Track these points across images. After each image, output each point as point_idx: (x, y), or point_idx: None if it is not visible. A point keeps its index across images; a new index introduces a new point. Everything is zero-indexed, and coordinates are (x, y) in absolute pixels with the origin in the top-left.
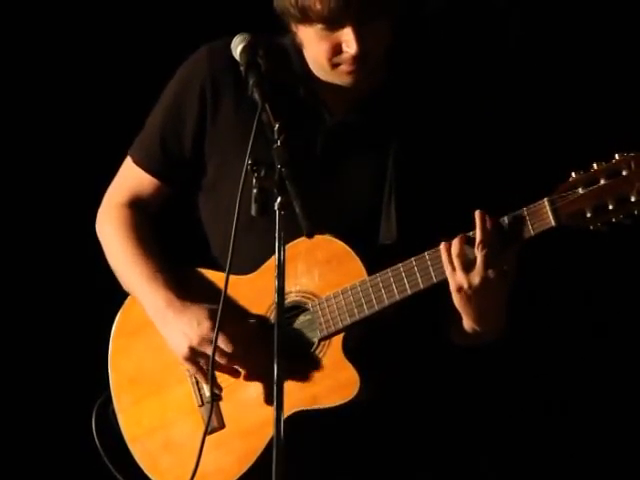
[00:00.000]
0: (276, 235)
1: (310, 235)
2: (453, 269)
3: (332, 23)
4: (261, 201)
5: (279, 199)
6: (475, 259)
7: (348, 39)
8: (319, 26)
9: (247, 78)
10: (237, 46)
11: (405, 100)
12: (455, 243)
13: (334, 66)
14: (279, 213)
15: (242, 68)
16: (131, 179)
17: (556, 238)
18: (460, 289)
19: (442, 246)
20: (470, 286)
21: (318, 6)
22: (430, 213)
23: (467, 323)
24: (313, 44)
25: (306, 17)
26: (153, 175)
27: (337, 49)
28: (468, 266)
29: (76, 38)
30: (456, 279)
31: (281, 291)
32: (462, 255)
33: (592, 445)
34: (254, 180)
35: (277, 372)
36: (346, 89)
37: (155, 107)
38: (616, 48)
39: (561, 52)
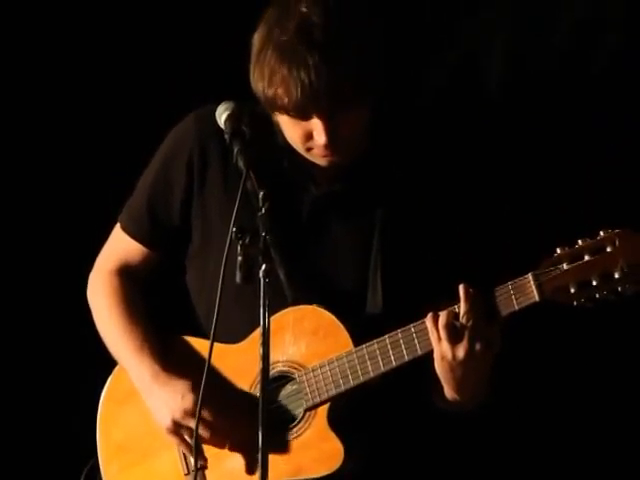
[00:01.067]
0: (261, 302)
1: (295, 302)
2: (439, 338)
3: (300, 115)
4: (245, 269)
5: (264, 267)
6: (460, 331)
7: (317, 130)
8: (290, 114)
9: (232, 146)
10: (222, 114)
11: (389, 169)
12: (443, 314)
13: (307, 150)
14: (264, 280)
15: (227, 136)
16: (120, 246)
17: (543, 310)
18: (444, 358)
19: (429, 317)
20: (454, 357)
21: (285, 99)
22: (416, 283)
23: (448, 391)
24: (286, 128)
25: (274, 107)
26: (140, 243)
27: (309, 136)
28: (454, 337)
29: (68, 90)
30: (441, 348)
31: (266, 358)
32: (449, 326)
33: None
34: (239, 248)
35: (261, 441)
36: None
37: (144, 172)
38: (605, 127)
39: (547, 131)
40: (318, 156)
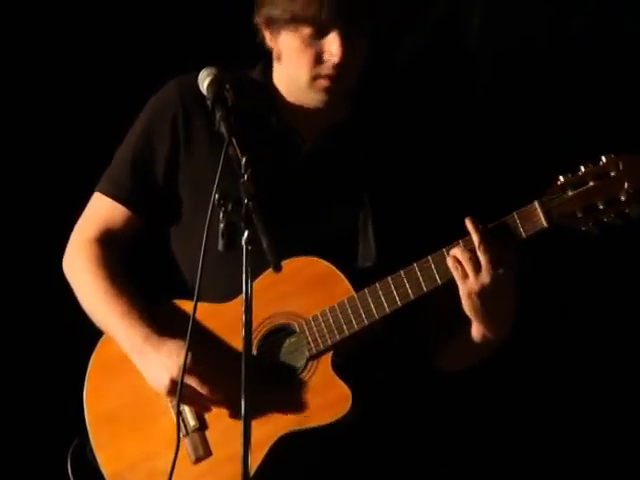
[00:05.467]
0: (243, 269)
1: (277, 269)
2: (465, 275)
3: (320, 27)
4: (228, 236)
5: (246, 233)
6: (479, 261)
7: (333, 46)
8: (306, 32)
9: (214, 112)
10: (204, 80)
11: (375, 125)
12: (461, 250)
13: (313, 79)
14: (246, 248)
15: (209, 102)
16: (100, 212)
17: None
18: (471, 292)
19: (450, 255)
20: (482, 287)
21: (308, 10)
22: (407, 233)
23: (478, 331)
24: (294, 54)
25: (295, 21)
26: (124, 204)
27: (319, 58)
28: (476, 268)
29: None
30: (468, 283)
31: (249, 325)
32: (472, 259)
33: None
34: (221, 214)
35: (245, 404)
36: (316, 116)
37: (124, 140)
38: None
39: (536, 74)
40: (321, 87)
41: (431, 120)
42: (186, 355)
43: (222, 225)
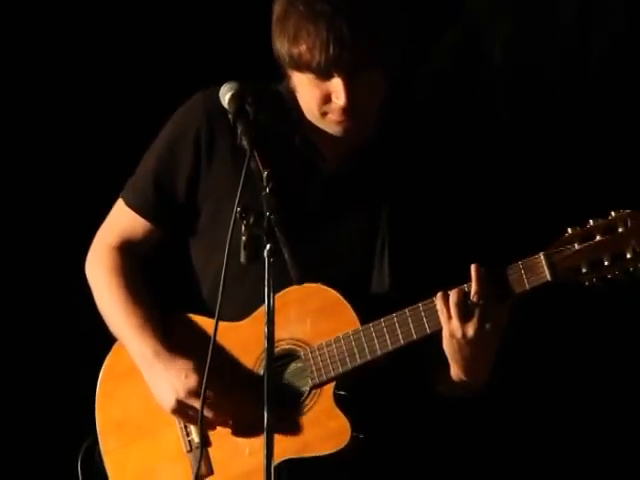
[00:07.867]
0: (265, 282)
1: (300, 282)
2: (449, 317)
3: (322, 74)
4: (250, 248)
5: (268, 246)
6: (471, 310)
7: (337, 90)
8: (310, 75)
9: (235, 126)
10: (225, 94)
11: (399, 153)
12: (453, 293)
13: (323, 114)
14: (268, 260)
15: (230, 116)
16: (123, 221)
17: (548, 294)
18: (453, 336)
19: (439, 295)
20: (464, 335)
21: (308, 56)
22: (423, 264)
23: (455, 371)
24: (305, 90)
25: (297, 65)
26: (146, 218)
27: (327, 98)
28: (464, 316)
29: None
30: (451, 327)
31: (271, 337)
32: (459, 304)
33: None
34: (243, 227)
35: (267, 421)
36: (341, 139)
37: (148, 151)
38: (609, 105)
39: (555, 112)
40: (332, 122)
41: (454, 153)
42: (205, 376)
43: (244, 238)
